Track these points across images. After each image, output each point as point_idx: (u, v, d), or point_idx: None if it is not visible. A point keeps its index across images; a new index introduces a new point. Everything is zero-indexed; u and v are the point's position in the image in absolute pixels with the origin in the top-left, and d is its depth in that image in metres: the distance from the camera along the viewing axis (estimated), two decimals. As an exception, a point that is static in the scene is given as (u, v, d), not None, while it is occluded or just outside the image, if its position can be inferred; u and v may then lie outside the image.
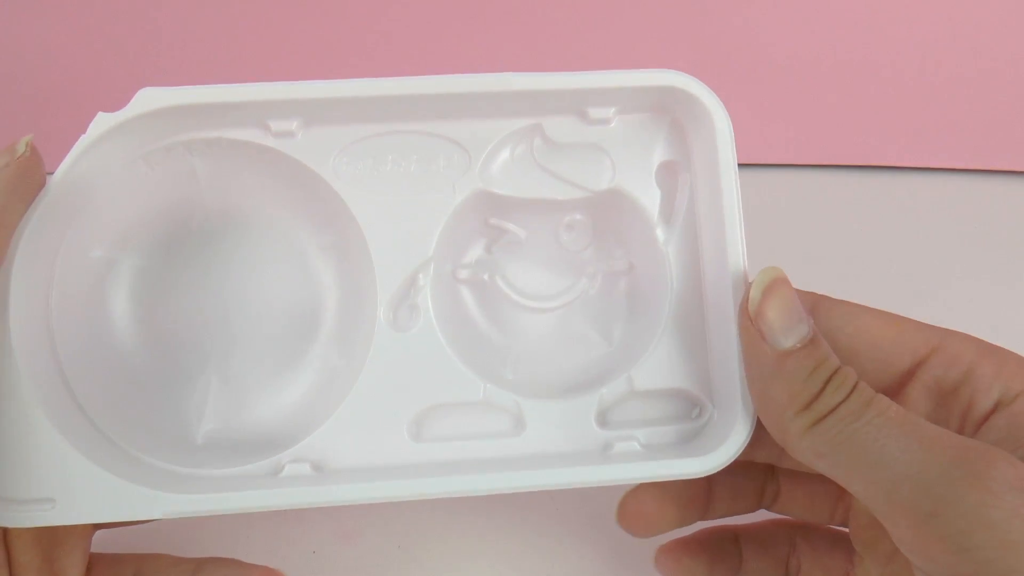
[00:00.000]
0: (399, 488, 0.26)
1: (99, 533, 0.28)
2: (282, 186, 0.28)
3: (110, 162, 0.27)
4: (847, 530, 0.29)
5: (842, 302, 0.26)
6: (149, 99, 0.26)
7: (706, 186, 0.28)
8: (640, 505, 0.29)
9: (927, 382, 0.25)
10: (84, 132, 0.25)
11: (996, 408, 0.24)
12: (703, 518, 0.30)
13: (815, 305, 0.26)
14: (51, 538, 0.26)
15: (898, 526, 0.21)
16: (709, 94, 0.27)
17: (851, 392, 0.23)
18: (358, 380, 0.27)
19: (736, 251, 0.26)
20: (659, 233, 0.28)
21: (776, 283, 0.24)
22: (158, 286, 0.29)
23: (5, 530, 0.26)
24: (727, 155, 0.27)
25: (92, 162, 0.26)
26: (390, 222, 0.28)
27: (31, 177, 0.25)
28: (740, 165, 0.27)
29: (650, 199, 0.29)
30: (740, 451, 0.26)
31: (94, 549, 0.28)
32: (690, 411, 0.28)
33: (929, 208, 0.42)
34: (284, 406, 0.29)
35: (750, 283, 0.25)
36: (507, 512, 0.33)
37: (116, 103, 0.26)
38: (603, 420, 0.28)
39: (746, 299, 0.25)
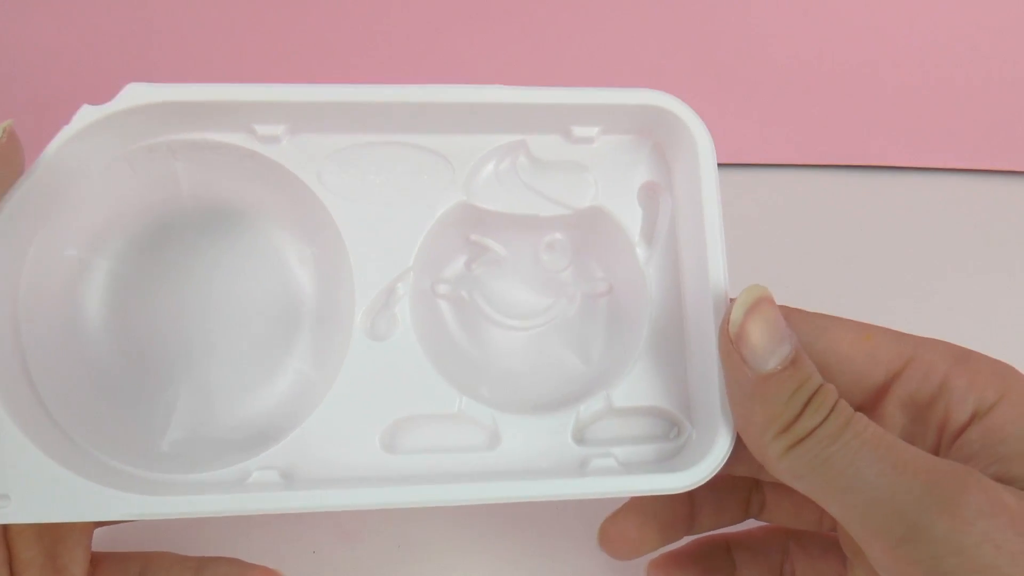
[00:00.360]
0: (367, 496, 0.25)
1: (105, 531, 0.28)
2: (264, 191, 0.28)
3: (92, 158, 0.26)
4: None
5: (813, 315, 0.26)
6: (136, 94, 0.26)
7: (687, 207, 0.28)
8: (621, 529, 0.28)
9: (902, 397, 0.25)
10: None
11: (972, 420, 0.23)
12: (688, 534, 0.29)
13: (785, 319, 0.25)
14: (53, 535, 0.26)
15: (873, 548, 0.22)
16: (691, 115, 0.27)
17: (830, 413, 0.22)
18: (332, 388, 0.27)
19: (717, 271, 0.26)
20: (639, 252, 0.29)
21: (759, 303, 0.23)
22: (132, 290, 0.28)
23: (6, 527, 0.25)
24: (709, 177, 0.27)
25: (74, 155, 0.26)
26: (371, 231, 0.27)
27: (7, 162, 0.24)
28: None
29: (631, 218, 0.29)
30: (718, 469, 0.26)
31: (101, 548, 0.27)
32: (668, 431, 0.28)
33: (929, 208, 0.42)
34: (257, 413, 0.28)
35: (732, 302, 0.24)
36: (507, 512, 0.33)
37: (105, 98, 0.26)
38: (580, 437, 0.28)
39: (727, 320, 0.24)
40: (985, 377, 0.24)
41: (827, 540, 0.29)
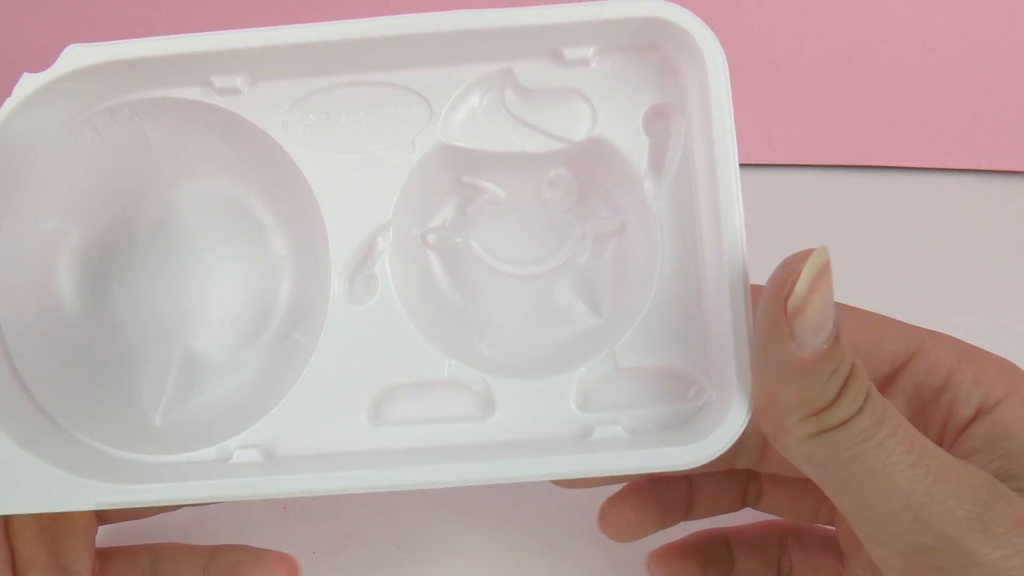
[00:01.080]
0: (353, 479, 0.23)
1: (105, 529, 0.28)
2: (232, 149, 0.26)
3: (46, 126, 0.25)
4: None
5: None
6: (77, 56, 0.24)
7: (701, 133, 0.24)
8: (620, 513, 0.28)
9: (907, 389, 0.24)
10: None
11: (976, 416, 0.23)
12: (686, 519, 0.28)
13: None
14: (56, 533, 0.26)
15: (887, 549, 0.21)
16: (700, 26, 0.23)
17: (864, 404, 0.20)
18: (311, 359, 0.25)
19: (732, 214, 0.23)
20: (648, 187, 0.25)
21: (825, 270, 0.20)
22: (112, 261, 0.27)
23: (8, 526, 0.26)
24: (721, 99, 0.23)
25: (24, 126, 0.24)
26: (344, 183, 0.25)
27: None
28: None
29: (638, 149, 0.25)
30: (733, 441, 0.22)
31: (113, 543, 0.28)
32: (683, 391, 0.25)
33: (929, 208, 0.42)
34: (237, 389, 0.27)
35: (787, 266, 0.20)
36: (508, 511, 0.33)
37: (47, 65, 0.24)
38: (583, 402, 0.25)
39: (782, 287, 0.20)
40: (991, 373, 0.23)
41: (825, 536, 0.29)
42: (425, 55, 0.25)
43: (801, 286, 0.19)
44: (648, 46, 0.24)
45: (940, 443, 0.23)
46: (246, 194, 0.27)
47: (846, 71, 0.41)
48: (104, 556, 0.27)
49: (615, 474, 0.25)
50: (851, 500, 0.21)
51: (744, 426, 0.22)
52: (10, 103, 0.24)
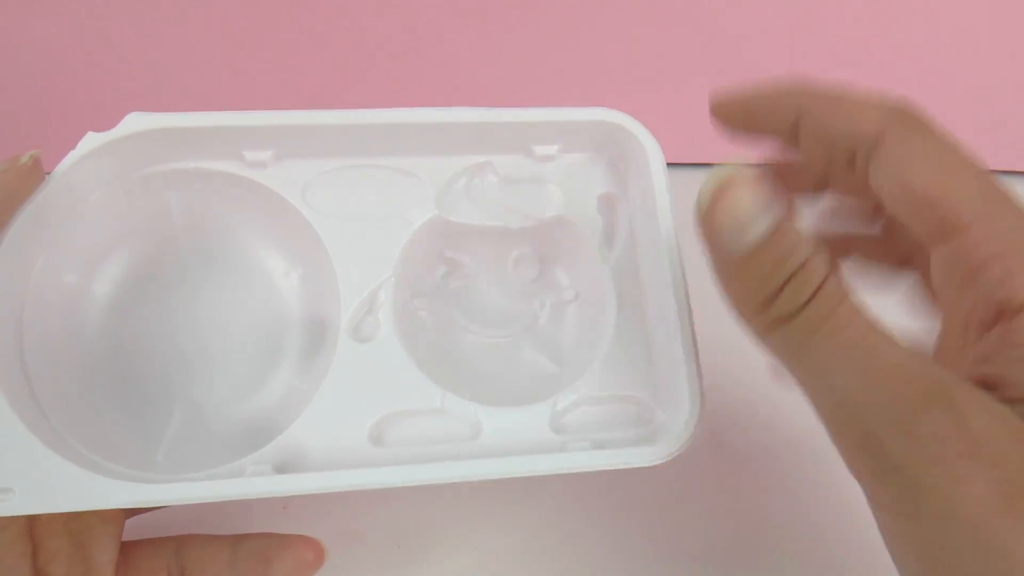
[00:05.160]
0: (361, 476, 0.26)
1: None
2: (251, 213, 0.31)
3: (91, 184, 0.28)
4: None
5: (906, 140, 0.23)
6: (137, 122, 0.28)
7: (642, 212, 0.31)
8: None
9: (947, 258, 0.22)
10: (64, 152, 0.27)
11: (998, 318, 0.21)
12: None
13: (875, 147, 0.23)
14: (81, 525, 0.27)
15: (838, 442, 0.21)
16: (642, 129, 0.30)
17: (812, 298, 0.20)
18: (320, 387, 0.28)
19: (674, 263, 0.29)
20: (601, 255, 0.31)
21: (728, 185, 0.21)
22: (127, 311, 0.30)
23: (33, 518, 0.26)
24: (661, 183, 0.30)
25: (76, 179, 0.28)
26: (354, 244, 0.30)
27: (28, 185, 0.26)
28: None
29: (592, 226, 0.31)
30: (686, 444, 0.27)
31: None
32: (639, 415, 0.30)
33: None
34: (249, 419, 0.30)
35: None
36: (508, 511, 0.34)
37: (98, 125, 0.28)
38: (556, 426, 0.29)
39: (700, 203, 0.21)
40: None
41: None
42: (423, 145, 0.30)
43: (702, 199, 0.21)
44: (600, 144, 0.31)
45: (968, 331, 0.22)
46: (258, 252, 0.31)
47: (846, 71, 0.41)
48: (126, 549, 0.27)
49: (585, 470, 0.28)
50: (809, 394, 0.21)
51: (693, 431, 0.27)
52: (73, 155, 0.27)
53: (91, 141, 0.28)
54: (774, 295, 0.20)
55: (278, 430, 0.28)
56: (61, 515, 0.26)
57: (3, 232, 0.26)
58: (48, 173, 0.27)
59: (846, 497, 0.33)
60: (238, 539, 0.28)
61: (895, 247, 0.28)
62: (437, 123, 0.30)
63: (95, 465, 0.26)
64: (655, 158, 0.30)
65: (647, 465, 0.27)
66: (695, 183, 0.21)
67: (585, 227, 0.31)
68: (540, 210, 0.31)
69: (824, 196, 0.28)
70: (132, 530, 0.29)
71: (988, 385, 0.20)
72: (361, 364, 0.29)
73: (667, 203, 0.30)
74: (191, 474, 0.27)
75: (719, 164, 0.21)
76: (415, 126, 0.30)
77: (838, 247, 0.29)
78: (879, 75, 0.43)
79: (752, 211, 0.20)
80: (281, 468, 0.27)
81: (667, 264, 0.29)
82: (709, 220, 0.21)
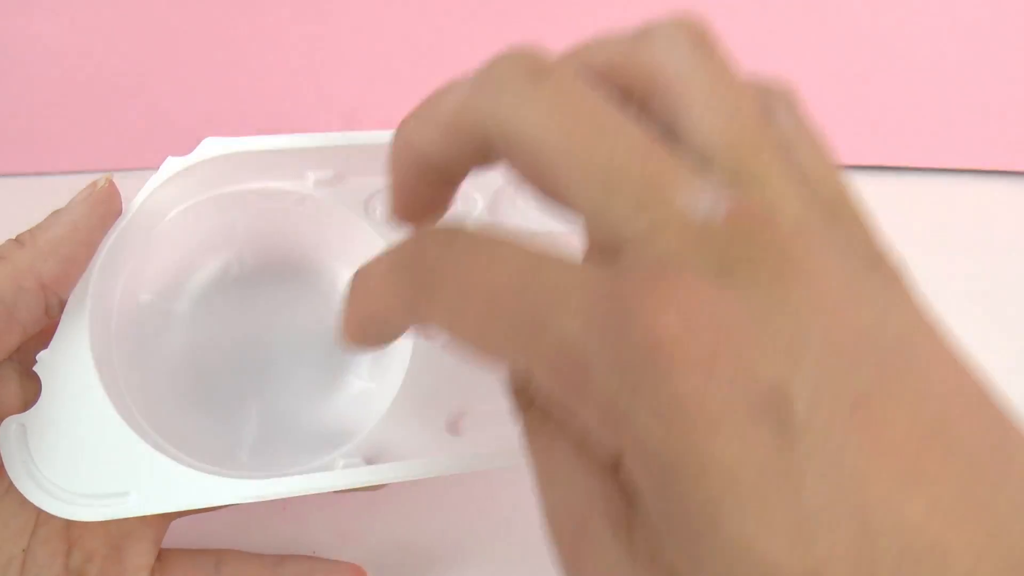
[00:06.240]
0: (441, 466, 0.28)
1: None
2: (318, 228, 0.32)
3: (167, 207, 0.30)
4: None
5: None
6: (212, 147, 0.30)
7: None
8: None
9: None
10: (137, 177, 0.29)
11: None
12: None
13: None
14: (121, 527, 0.27)
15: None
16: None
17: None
18: (395, 386, 0.30)
19: None
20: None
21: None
22: (201, 327, 0.32)
23: (70, 520, 0.26)
24: None
25: (155, 203, 0.30)
26: None
27: (108, 206, 0.28)
28: None
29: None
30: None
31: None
32: None
33: (929, 208, 0.42)
34: (326, 417, 0.31)
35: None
36: (508, 512, 0.34)
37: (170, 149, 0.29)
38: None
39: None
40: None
41: None
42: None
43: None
44: None
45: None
46: (333, 264, 0.33)
47: (846, 71, 0.42)
48: (163, 556, 0.28)
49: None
50: None
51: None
52: (154, 180, 0.29)
53: (172, 166, 0.29)
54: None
55: (357, 429, 0.29)
56: None
57: (97, 255, 0.28)
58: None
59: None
60: (279, 559, 0.29)
61: None
62: None
63: (194, 466, 0.27)
64: None
65: None
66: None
67: None
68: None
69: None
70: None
71: None
72: (435, 361, 0.31)
73: None
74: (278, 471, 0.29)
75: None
76: None
77: None
78: (878, 75, 0.43)
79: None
80: (371, 460, 0.29)
81: None
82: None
